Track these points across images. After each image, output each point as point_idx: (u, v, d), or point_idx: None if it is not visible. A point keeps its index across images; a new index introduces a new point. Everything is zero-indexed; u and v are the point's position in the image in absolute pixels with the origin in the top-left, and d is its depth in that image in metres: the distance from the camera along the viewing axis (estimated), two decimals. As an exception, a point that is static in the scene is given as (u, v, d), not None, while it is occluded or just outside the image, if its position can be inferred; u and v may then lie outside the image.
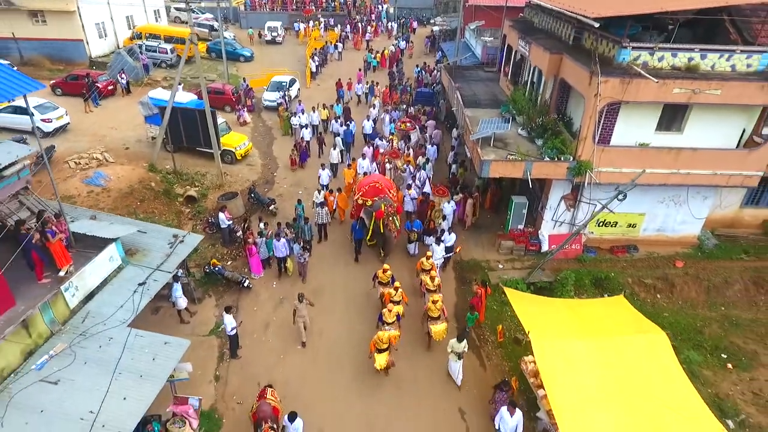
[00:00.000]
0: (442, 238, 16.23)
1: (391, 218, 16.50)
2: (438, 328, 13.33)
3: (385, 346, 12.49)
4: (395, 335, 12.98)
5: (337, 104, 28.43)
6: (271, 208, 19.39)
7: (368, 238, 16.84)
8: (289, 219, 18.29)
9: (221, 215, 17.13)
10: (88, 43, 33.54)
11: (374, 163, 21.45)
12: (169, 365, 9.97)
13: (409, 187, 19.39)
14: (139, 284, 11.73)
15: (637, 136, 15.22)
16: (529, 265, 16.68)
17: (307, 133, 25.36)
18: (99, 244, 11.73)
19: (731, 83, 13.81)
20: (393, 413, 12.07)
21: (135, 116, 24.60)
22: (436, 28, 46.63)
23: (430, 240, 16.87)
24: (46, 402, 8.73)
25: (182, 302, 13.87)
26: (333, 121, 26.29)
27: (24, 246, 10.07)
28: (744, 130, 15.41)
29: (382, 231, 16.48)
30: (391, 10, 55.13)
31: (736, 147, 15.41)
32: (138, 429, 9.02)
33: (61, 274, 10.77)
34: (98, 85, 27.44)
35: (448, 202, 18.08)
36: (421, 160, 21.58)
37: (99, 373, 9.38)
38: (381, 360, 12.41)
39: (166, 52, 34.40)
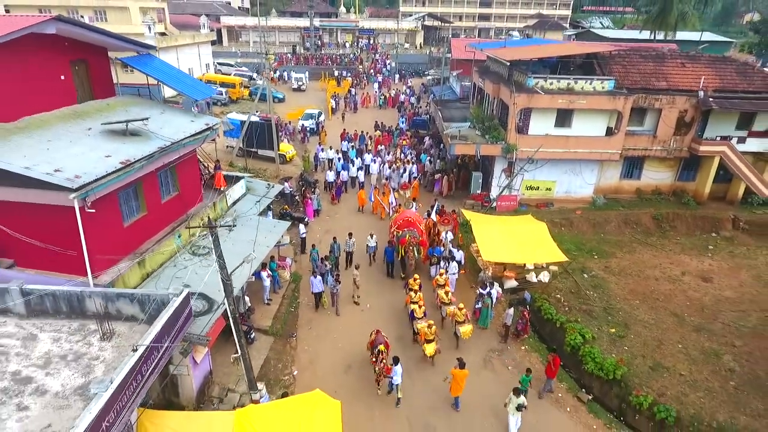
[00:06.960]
0: (453, 256, 20.35)
1: (411, 247, 20.10)
2: (465, 329, 16.28)
3: (432, 337, 15.34)
4: (431, 322, 15.86)
5: (352, 149, 33.87)
6: (315, 185, 29.10)
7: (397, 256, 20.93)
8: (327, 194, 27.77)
9: (285, 184, 26.80)
10: (162, 87, 44.47)
11: (379, 158, 31.33)
12: (281, 230, 19.52)
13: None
14: (256, 202, 21.26)
15: (544, 129, 25.13)
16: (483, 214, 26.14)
17: (331, 175, 29.66)
18: (233, 181, 21.35)
19: (592, 96, 23.97)
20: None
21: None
22: (428, 78, 58.26)
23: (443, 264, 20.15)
24: (231, 234, 17.98)
25: (272, 223, 23.25)
26: (328, 172, 30.24)
27: (214, 172, 19.91)
28: (609, 127, 25.37)
29: (403, 255, 20.36)
30: (393, 64, 67.25)
31: (604, 135, 25.32)
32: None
33: (222, 189, 20.30)
34: (180, 114, 37.91)
35: (446, 233, 22.14)
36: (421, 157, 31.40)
37: (250, 229, 18.67)
38: (430, 348, 15.27)
39: (221, 94, 45.41)
